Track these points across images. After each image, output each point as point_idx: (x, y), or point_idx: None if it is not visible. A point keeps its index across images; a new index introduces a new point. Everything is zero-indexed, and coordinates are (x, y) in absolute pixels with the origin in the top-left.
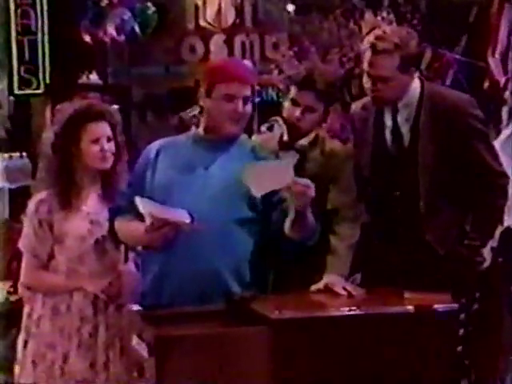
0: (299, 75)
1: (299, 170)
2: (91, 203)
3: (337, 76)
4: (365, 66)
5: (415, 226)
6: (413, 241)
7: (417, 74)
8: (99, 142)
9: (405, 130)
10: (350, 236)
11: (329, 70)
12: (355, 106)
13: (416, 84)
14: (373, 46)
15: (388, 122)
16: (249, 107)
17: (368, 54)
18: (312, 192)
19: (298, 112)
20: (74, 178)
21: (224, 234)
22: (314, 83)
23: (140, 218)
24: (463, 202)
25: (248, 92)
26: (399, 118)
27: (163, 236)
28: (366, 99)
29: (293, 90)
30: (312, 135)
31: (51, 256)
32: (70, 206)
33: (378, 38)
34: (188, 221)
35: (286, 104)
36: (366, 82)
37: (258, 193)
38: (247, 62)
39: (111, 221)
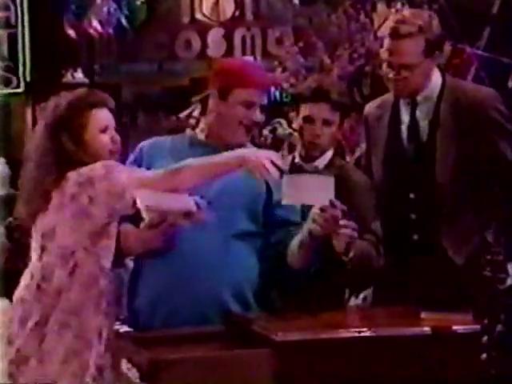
0: (310, 88)
1: None
2: None
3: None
4: (384, 54)
5: (432, 233)
6: (429, 251)
7: (439, 60)
8: (108, 131)
9: (423, 125)
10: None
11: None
12: (370, 106)
13: (437, 75)
14: (394, 31)
15: (405, 117)
16: (263, 116)
17: (388, 41)
18: (342, 223)
19: (317, 128)
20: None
21: (223, 250)
22: (328, 94)
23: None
24: (485, 207)
25: (265, 100)
26: (418, 113)
27: (161, 234)
28: (383, 97)
29: (304, 107)
30: (327, 157)
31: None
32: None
33: (398, 21)
34: (193, 208)
35: (299, 123)
36: (388, 72)
37: (287, 202)
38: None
39: None
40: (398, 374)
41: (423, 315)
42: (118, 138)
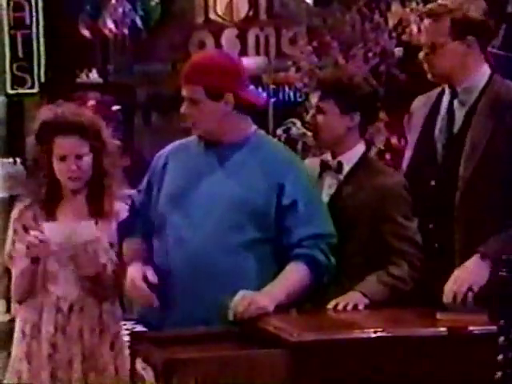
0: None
1: (338, 196)
2: (66, 218)
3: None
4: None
5: (446, 222)
6: (444, 244)
7: (474, 46)
8: (66, 160)
9: (459, 115)
10: (401, 280)
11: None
12: (419, 97)
13: (485, 69)
14: (426, 10)
15: (444, 107)
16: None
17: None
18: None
19: (309, 115)
20: (52, 187)
21: (231, 260)
22: (321, 81)
23: (146, 238)
24: (506, 206)
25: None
26: (456, 103)
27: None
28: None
29: None
30: (355, 154)
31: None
32: (53, 217)
33: (438, 1)
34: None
35: None
36: (421, 55)
37: None
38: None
39: (119, 242)
40: (413, 375)
41: (439, 316)
42: (79, 165)
